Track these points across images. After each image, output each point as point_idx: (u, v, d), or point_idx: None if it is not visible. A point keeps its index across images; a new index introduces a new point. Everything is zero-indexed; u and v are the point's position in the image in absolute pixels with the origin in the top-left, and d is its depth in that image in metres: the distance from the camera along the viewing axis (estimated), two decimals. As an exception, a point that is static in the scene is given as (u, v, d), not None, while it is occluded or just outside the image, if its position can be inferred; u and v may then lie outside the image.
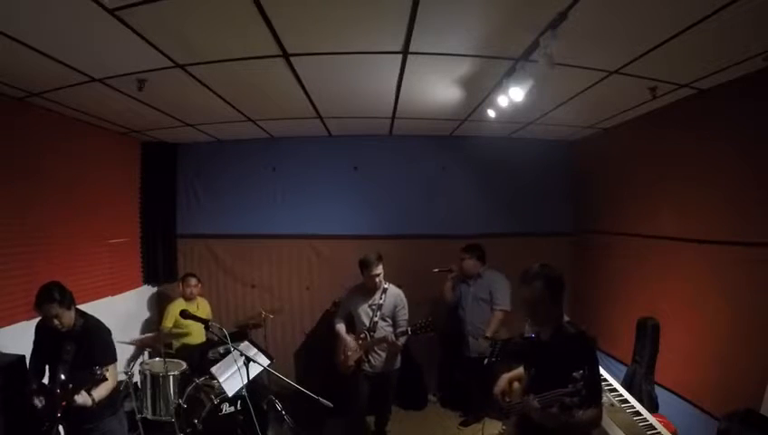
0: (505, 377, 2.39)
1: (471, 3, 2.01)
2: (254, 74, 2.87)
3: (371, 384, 3.53)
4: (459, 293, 4.16)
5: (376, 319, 3.48)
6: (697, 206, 3.16)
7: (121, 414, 2.80)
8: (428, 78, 3.02)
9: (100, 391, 2.45)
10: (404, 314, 3.51)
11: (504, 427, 2.49)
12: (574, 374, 1.75)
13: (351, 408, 3.52)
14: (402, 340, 3.40)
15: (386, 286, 3.54)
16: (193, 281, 4.34)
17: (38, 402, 2.38)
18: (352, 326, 3.64)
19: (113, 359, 2.61)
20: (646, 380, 3.29)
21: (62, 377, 2.43)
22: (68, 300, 2.47)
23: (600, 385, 2.06)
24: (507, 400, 2.30)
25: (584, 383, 1.73)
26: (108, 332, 2.66)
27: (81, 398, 2.36)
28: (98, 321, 2.66)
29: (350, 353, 3.50)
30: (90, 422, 2.53)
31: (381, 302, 3.49)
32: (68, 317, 2.48)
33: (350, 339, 3.54)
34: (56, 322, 2.44)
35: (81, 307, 2.65)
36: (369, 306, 3.52)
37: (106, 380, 2.44)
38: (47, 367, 2.59)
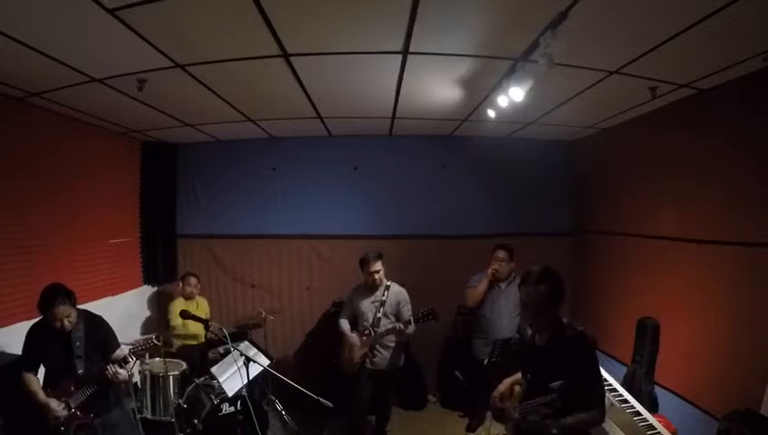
0: (507, 381, 2.39)
1: (471, 2, 2.00)
2: (254, 74, 2.87)
3: (373, 382, 3.53)
4: (486, 297, 3.83)
5: (379, 315, 3.50)
6: (697, 206, 3.16)
7: (126, 405, 2.90)
8: (428, 78, 3.01)
9: (128, 368, 2.63)
10: (408, 310, 3.54)
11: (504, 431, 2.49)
12: (551, 385, 1.83)
13: (353, 406, 3.53)
14: (410, 328, 3.37)
15: (388, 284, 3.56)
16: (193, 280, 4.34)
17: (58, 408, 2.46)
18: (355, 326, 3.64)
19: (119, 343, 2.76)
20: (646, 380, 3.29)
21: (80, 372, 2.54)
22: (74, 299, 2.55)
23: (601, 386, 2.06)
24: (507, 404, 2.31)
25: (558, 395, 1.82)
26: (103, 318, 2.78)
27: (121, 374, 2.54)
28: (91, 312, 2.75)
29: (355, 351, 3.50)
30: (99, 416, 2.61)
31: (384, 298, 3.52)
32: (74, 316, 2.55)
33: (354, 336, 3.54)
34: (66, 322, 2.49)
35: (82, 307, 2.69)
36: (372, 303, 3.54)
37: (128, 362, 2.61)
38: (46, 369, 2.61)
